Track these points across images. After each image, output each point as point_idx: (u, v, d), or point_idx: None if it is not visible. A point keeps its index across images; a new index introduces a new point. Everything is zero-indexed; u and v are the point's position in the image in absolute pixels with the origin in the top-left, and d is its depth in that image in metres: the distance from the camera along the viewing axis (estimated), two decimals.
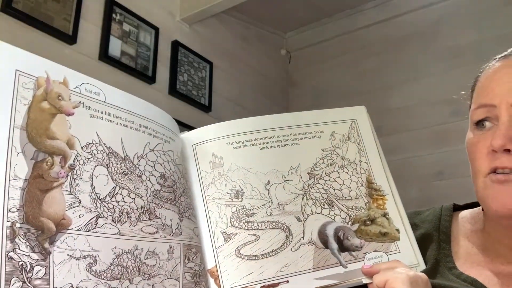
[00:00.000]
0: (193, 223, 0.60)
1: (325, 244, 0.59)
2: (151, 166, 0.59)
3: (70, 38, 1.76)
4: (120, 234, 0.51)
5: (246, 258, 0.57)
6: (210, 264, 0.58)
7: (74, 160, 0.50)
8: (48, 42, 1.71)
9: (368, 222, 0.61)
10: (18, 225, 0.43)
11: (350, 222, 0.61)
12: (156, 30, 2.16)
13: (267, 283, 0.56)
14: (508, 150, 0.55)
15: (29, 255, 0.43)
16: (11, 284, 0.41)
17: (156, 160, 0.60)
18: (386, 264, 0.57)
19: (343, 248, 0.59)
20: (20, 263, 0.42)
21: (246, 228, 0.58)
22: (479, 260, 0.63)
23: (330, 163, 0.64)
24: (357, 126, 0.69)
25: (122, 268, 0.49)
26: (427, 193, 2.30)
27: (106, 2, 1.96)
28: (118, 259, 0.49)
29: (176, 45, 2.26)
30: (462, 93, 0.67)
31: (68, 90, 0.53)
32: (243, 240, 0.58)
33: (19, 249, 0.43)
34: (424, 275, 0.53)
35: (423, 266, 0.61)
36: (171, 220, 0.57)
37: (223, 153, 0.63)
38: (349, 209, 0.61)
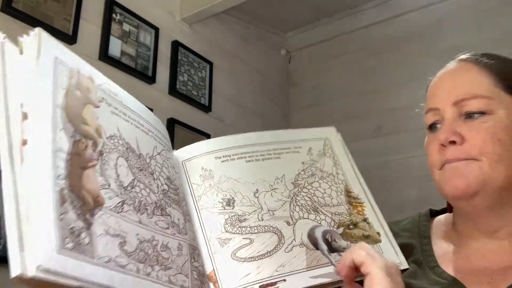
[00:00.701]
0: (193, 227, 0.62)
1: (315, 245, 0.62)
2: (159, 168, 0.62)
3: (70, 38, 1.76)
4: (140, 223, 0.53)
5: (243, 260, 0.59)
6: (208, 269, 0.59)
7: (102, 147, 0.53)
8: None
9: (351, 226, 0.66)
10: (65, 191, 0.46)
11: (335, 226, 0.65)
12: (156, 30, 2.17)
13: (265, 282, 0.57)
14: (454, 142, 0.63)
15: (76, 221, 0.45)
16: (65, 244, 0.43)
17: (162, 163, 0.63)
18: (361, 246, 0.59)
19: (331, 249, 0.62)
20: (70, 226, 0.44)
21: (240, 232, 0.61)
22: (456, 258, 0.67)
23: (311, 174, 0.69)
24: (330, 143, 0.75)
25: (145, 254, 0.51)
26: (427, 193, 2.30)
27: (106, 2, 1.96)
28: (141, 245, 0.51)
29: (176, 45, 2.26)
30: (421, 104, 0.73)
31: (94, 85, 0.57)
32: (238, 244, 0.60)
33: (68, 213, 0.45)
34: (397, 265, 0.57)
35: (405, 265, 0.65)
36: (178, 219, 0.60)
37: (212, 166, 0.67)
38: (333, 215, 0.66)
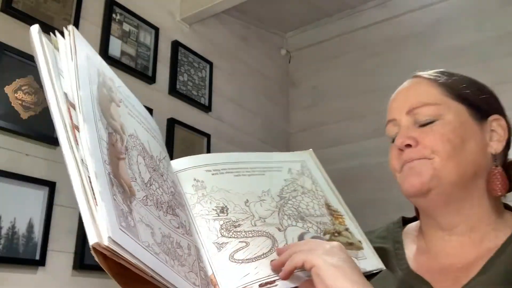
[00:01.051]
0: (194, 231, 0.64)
1: None
2: (166, 171, 0.64)
3: None
4: (159, 218, 0.55)
5: (240, 261, 0.61)
6: (208, 272, 0.61)
7: (127, 143, 0.55)
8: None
9: (336, 234, 0.71)
10: (111, 176, 0.48)
11: (321, 234, 0.70)
12: (156, 30, 2.17)
13: (264, 281, 0.59)
14: (409, 145, 0.70)
15: (122, 204, 0.47)
16: (120, 223, 0.44)
17: (167, 167, 0.66)
18: (299, 245, 0.62)
19: None
20: (120, 207, 0.46)
21: (235, 237, 0.64)
22: (425, 259, 0.73)
23: (293, 190, 0.75)
24: (307, 165, 0.81)
25: (167, 248, 0.52)
26: None
27: (106, 2, 1.96)
28: (163, 239, 0.53)
29: (176, 45, 2.26)
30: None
31: (115, 86, 0.60)
32: (235, 247, 0.63)
33: (117, 196, 0.47)
34: (337, 243, 0.61)
35: (384, 269, 0.71)
36: (184, 221, 0.62)
37: (203, 178, 0.70)
38: (318, 223, 0.71)
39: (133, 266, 0.44)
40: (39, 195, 1.58)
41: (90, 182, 0.43)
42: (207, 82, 2.42)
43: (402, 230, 0.80)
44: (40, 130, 1.61)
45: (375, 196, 2.40)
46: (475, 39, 2.46)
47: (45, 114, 1.64)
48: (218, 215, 0.66)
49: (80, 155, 0.45)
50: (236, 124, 2.57)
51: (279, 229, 0.67)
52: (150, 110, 2.04)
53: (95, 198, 0.43)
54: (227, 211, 0.66)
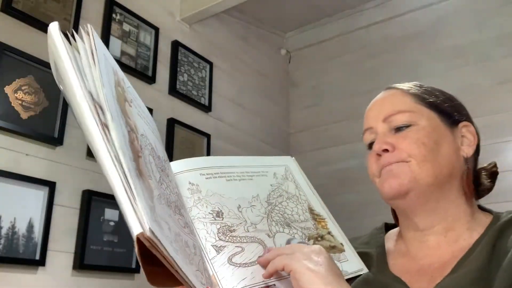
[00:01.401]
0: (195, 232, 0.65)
1: None
2: (170, 173, 0.65)
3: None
4: (171, 217, 0.55)
5: (238, 265, 0.63)
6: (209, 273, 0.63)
7: (141, 142, 0.56)
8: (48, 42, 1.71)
9: (319, 239, 0.74)
10: (137, 172, 0.49)
11: (306, 239, 0.73)
12: (156, 30, 2.17)
13: (259, 286, 0.62)
14: (386, 150, 0.74)
15: (147, 199, 0.48)
16: (153, 217, 0.46)
17: (170, 170, 0.67)
18: (280, 249, 0.65)
19: None
20: (148, 203, 0.48)
21: (232, 241, 0.66)
22: (405, 261, 0.76)
23: (279, 195, 0.78)
24: (290, 170, 0.84)
25: (179, 246, 0.53)
26: None
27: (106, 2, 1.96)
28: (176, 237, 0.53)
29: (176, 45, 2.26)
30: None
31: (125, 87, 0.60)
32: (232, 251, 0.64)
33: (144, 191, 0.48)
34: (317, 246, 0.64)
35: (365, 270, 0.74)
36: (188, 221, 0.62)
37: (198, 181, 0.72)
38: (302, 229, 0.74)
39: (165, 259, 0.45)
40: (39, 195, 1.58)
41: (126, 177, 0.45)
42: (207, 82, 2.42)
43: (384, 235, 0.84)
44: (40, 130, 1.61)
45: (375, 196, 2.38)
46: (475, 39, 2.46)
47: (45, 114, 1.64)
48: (215, 219, 0.67)
49: (114, 152, 0.46)
50: (236, 124, 2.57)
51: (269, 236, 0.69)
52: (150, 110, 2.04)
53: (132, 192, 0.44)
54: (222, 215, 0.68)
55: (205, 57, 2.43)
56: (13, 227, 1.49)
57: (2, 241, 1.46)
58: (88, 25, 0.56)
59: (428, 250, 0.74)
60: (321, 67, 3.00)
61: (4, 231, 1.47)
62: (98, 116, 0.47)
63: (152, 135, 0.64)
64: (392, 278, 0.72)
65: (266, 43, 3.02)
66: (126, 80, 0.62)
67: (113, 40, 1.95)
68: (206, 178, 0.73)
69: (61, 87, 0.54)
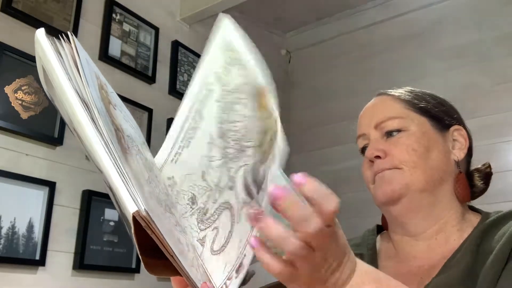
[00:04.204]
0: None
1: (251, 195, 0.56)
2: (158, 174, 0.65)
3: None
4: (162, 215, 0.55)
5: (219, 252, 0.59)
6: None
7: (127, 142, 0.56)
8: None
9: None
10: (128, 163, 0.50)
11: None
12: (156, 30, 2.17)
13: (236, 266, 0.57)
14: (379, 157, 0.75)
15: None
16: (147, 201, 0.48)
17: (158, 172, 0.66)
18: None
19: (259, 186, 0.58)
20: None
21: (208, 225, 0.61)
22: (395, 263, 0.77)
23: (227, 107, 0.67)
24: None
25: (175, 240, 0.53)
26: None
27: (106, 2, 1.96)
28: (169, 233, 0.53)
29: (176, 45, 2.26)
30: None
31: (108, 91, 0.61)
32: (211, 238, 0.60)
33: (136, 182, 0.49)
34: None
35: None
36: (178, 220, 0.61)
37: (172, 171, 0.66)
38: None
39: (161, 243, 0.46)
40: (39, 195, 1.58)
41: (118, 163, 0.46)
42: None
43: (376, 237, 0.85)
44: (40, 130, 1.61)
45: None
46: (475, 39, 2.46)
47: (45, 114, 1.64)
48: (192, 209, 0.63)
49: (105, 140, 0.47)
50: None
51: (231, 188, 0.59)
52: (150, 110, 2.04)
53: (127, 175, 0.45)
54: (195, 199, 0.63)
55: None
56: (13, 227, 1.49)
57: (2, 241, 1.46)
58: (69, 32, 0.56)
59: (418, 253, 0.75)
60: (321, 67, 3.00)
61: (4, 231, 1.47)
62: (88, 111, 0.48)
63: (137, 140, 0.64)
64: None
65: (266, 43, 3.02)
66: (109, 86, 0.63)
67: (113, 40, 1.95)
68: (175, 162, 0.67)
69: (49, 94, 0.54)
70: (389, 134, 0.77)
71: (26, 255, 1.51)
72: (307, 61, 3.09)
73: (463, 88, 2.32)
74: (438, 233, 0.74)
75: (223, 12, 0.69)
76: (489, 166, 0.80)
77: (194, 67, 2.36)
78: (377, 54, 2.77)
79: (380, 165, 0.75)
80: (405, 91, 0.82)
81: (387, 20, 2.78)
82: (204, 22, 2.46)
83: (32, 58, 1.63)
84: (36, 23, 1.67)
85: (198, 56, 2.39)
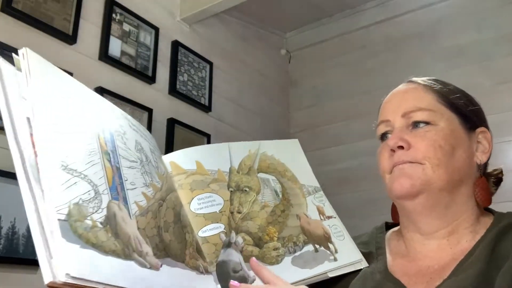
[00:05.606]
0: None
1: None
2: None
3: (70, 38, 1.76)
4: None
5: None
6: None
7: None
8: (48, 42, 1.71)
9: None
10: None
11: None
12: (156, 30, 2.16)
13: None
14: (401, 147, 0.72)
15: None
16: None
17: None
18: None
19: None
20: None
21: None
22: (404, 262, 0.75)
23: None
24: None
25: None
26: None
27: (106, 2, 1.96)
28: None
29: (176, 45, 2.26)
30: (375, 121, 0.81)
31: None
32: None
33: None
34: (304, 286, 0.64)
35: (364, 264, 0.76)
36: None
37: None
38: None
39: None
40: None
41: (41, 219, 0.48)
42: (207, 82, 2.42)
43: (384, 235, 0.83)
44: None
45: (375, 196, 2.39)
46: (475, 39, 2.46)
47: None
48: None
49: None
50: (236, 124, 2.57)
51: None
52: (150, 110, 2.04)
53: (48, 235, 0.46)
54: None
55: (205, 57, 2.43)
56: (13, 227, 1.49)
57: (2, 241, 1.46)
58: (24, 49, 0.58)
59: (428, 253, 0.73)
60: (321, 67, 3.00)
61: (4, 231, 1.47)
62: (33, 145, 0.49)
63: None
64: (390, 280, 0.71)
65: (266, 43, 3.02)
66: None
67: (113, 40, 1.95)
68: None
69: None
70: (415, 125, 0.73)
71: (26, 255, 1.50)
72: (307, 61, 3.09)
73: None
74: (451, 234, 0.72)
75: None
76: (501, 172, 0.79)
77: (194, 67, 2.36)
78: (377, 54, 2.77)
79: (401, 156, 0.72)
80: (439, 82, 0.78)
81: (387, 20, 2.78)
82: (204, 22, 2.46)
83: None
84: (36, 23, 1.67)
85: (198, 56, 2.39)
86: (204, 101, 2.37)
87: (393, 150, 0.73)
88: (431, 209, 0.72)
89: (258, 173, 0.81)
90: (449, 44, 2.52)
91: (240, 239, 0.72)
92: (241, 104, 2.66)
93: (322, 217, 0.80)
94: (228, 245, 0.70)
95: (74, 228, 0.50)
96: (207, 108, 2.37)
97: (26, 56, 0.56)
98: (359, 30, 2.88)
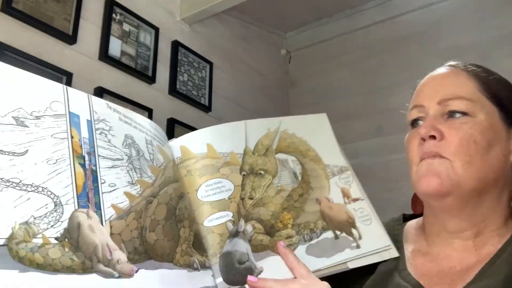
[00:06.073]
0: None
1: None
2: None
3: (70, 38, 1.76)
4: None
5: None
6: None
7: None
8: (48, 42, 1.71)
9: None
10: None
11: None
12: (156, 30, 2.16)
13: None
14: (434, 137, 0.65)
15: None
16: None
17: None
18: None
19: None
20: None
21: None
22: (424, 260, 0.70)
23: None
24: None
25: None
26: None
27: (106, 2, 1.96)
28: None
29: (176, 45, 2.26)
30: (406, 104, 0.76)
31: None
32: None
33: None
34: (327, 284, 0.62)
35: (395, 253, 0.70)
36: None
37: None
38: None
39: None
40: None
41: None
42: (207, 82, 2.42)
43: (403, 228, 0.78)
44: None
45: (375, 196, 2.38)
46: (475, 39, 2.46)
47: None
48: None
49: None
50: None
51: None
52: (150, 110, 2.04)
53: None
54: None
55: (205, 57, 2.43)
56: None
57: None
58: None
59: (452, 252, 0.69)
60: (321, 67, 3.00)
61: None
62: None
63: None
64: (409, 281, 0.67)
65: (266, 43, 3.02)
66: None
67: (113, 40, 1.95)
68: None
69: None
70: (451, 114, 0.67)
71: None
72: (307, 61, 3.09)
73: None
74: (477, 236, 0.68)
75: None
76: None
77: (194, 67, 2.36)
78: (377, 54, 2.77)
79: (431, 147, 0.65)
80: (483, 70, 0.71)
81: (387, 20, 2.78)
82: (204, 22, 2.46)
83: (32, 58, 1.62)
84: (36, 23, 1.67)
85: (198, 56, 2.39)
86: (204, 101, 2.37)
87: (423, 139, 0.67)
88: (460, 210, 0.67)
89: (276, 153, 0.74)
90: (449, 44, 2.52)
91: (249, 227, 0.66)
92: (241, 104, 2.66)
93: (346, 200, 0.73)
94: (235, 234, 0.66)
95: (14, 252, 0.48)
96: (207, 108, 2.37)
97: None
98: (359, 30, 2.88)
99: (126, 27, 2.03)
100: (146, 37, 2.12)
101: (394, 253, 0.69)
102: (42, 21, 1.68)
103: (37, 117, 0.56)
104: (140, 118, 0.69)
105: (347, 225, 0.70)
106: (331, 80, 2.92)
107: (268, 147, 0.73)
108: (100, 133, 0.62)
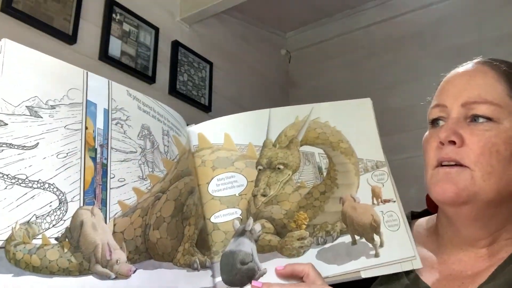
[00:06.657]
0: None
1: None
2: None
3: (70, 38, 1.76)
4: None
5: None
6: None
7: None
8: (48, 42, 1.71)
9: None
10: None
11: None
12: (156, 30, 2.16)
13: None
14: (454, 142, 0.61)
15: None
16: None
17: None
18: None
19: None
20: None
21: None
22: (433, 262, 0.68)
23: None
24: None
25: None
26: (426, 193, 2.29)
27: (106, 2, 1.96)
28: None
29: (176, 45, 2.26)
30: (428, 98, 0.72)
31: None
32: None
33: None
34: None
35: (418, 264, 0.64)
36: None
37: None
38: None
39: None
40: None
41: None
42: (207, 82, 2.42)
43: (411, 227, 0.75)
44: None
45: None
46: (475, 39, 2.45)
47: None
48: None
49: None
50: None
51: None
52: None
53: None
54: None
55: (205, 57, 2.43)
56: None
57: None
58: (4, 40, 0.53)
59: (464, 257, 0.67)
60: (321, 67, 3.00)
61: None
62: None
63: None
64: (418, 284, 0.65)
65: (266, 43, 3.02)
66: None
67: (113, 40, 1.95)
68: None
69: None
70: (474, 118, 0.62)
71: None
72: (307, 61, 3.09)
73: None
74: (491, 244, 0.65)
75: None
76: None
77: (194, 67, 2.36)
78: (377, 54, 2.77)
79: (450, 152, 0.62)
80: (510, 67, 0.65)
81: (387, 20, 2.78)
82: (204, 22, 2.46)
83: None
84: (36, 23, 1.67)
85: (198, 56, 2.39)
86: (204, 101, 2.37)
87: (442, 143, 0.63)
88: (475, 219, 0.64)
89: (302, 145, 0.68)
90: (449, 44, 2.52)
91: (258, 227, 0.62)
92: (241, 104, 2.66)
93: (375, 201, 0.66)
94: (241, 233, 0.62)
95: (11, 254, 0.47)
96: (207, 108, 2.37)
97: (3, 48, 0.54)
98: (359, 30, 2.88)
99: (126, 27, 2.03)
100: (146, 37, 2.12)
101: (417, 264, 0.64)
102: (42, 21, 1.68)
103: (52, 107, 0.54)
104: (160, 107, 0.67)
105: (370, 230, 0.64)
106: (331, 80, 2.92)
107: (292, 138, 0.68)
108: (116, 123, 0.60)
